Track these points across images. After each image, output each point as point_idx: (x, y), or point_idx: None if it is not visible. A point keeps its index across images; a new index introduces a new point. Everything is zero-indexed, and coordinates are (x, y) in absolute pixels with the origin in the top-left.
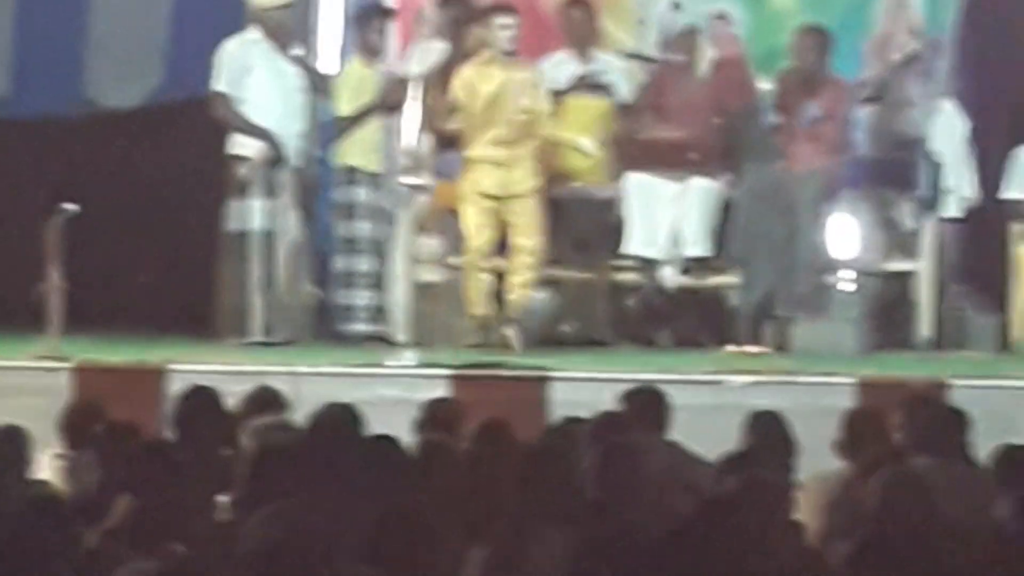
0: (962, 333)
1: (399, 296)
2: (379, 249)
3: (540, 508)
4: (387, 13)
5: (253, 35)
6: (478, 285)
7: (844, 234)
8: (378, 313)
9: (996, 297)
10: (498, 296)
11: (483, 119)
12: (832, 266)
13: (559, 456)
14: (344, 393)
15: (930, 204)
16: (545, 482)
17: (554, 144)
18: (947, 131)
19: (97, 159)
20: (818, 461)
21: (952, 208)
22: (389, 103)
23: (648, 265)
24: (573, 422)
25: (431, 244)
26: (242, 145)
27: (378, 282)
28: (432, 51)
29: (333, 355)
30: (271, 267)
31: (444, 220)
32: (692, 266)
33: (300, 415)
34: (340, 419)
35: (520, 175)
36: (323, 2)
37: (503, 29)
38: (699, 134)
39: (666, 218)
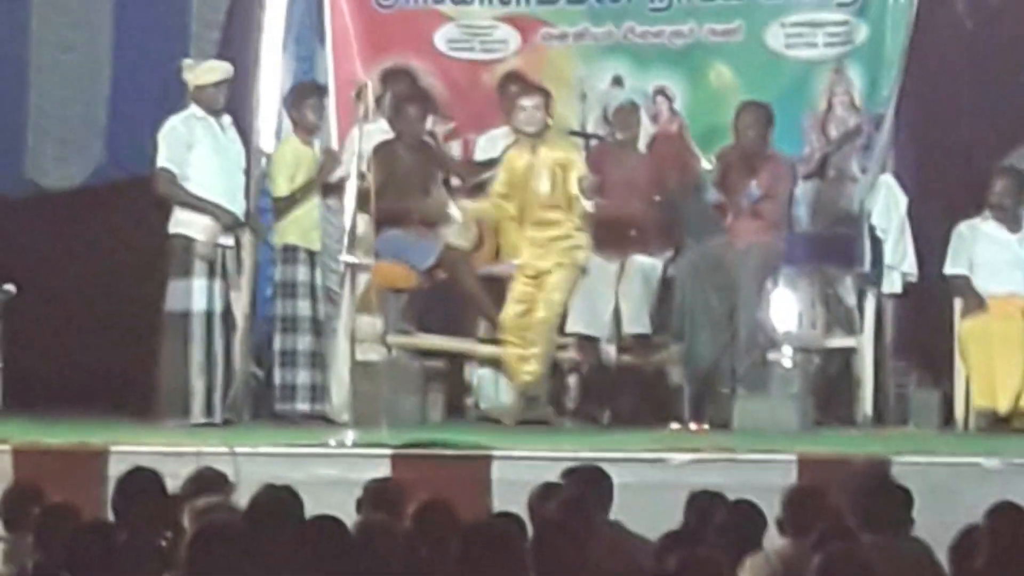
0: (904, 409)
1: (340, 375)
2: (319, 328)
3: None
4: (322, 91)
5: (196, 112)
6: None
7: (785, 310)
8: (318, 392)
9: (938, 373)
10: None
11: (517, 202)
12: (773, 342)
13: (501, 536)
14: (285, 473)
15: (871, 280)
16: (486, 562)
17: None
18: (888, 206)
19: (38, 239)
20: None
21: (893, 284)
22: (328, 183)
23: (590, 343)
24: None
25: (372, 323)
26: (184, 224)
27: (318, 361)
28: (373, 129)
29: (274, 435)
30: (212, 347)
31: (384, 299)
32: (633, 344)
33: (241, 496)
34: (280, 500)
35: (554, 254)
36: (262, 79)
37: (522, 111)
38: (639, 211)
39: (607, 296)
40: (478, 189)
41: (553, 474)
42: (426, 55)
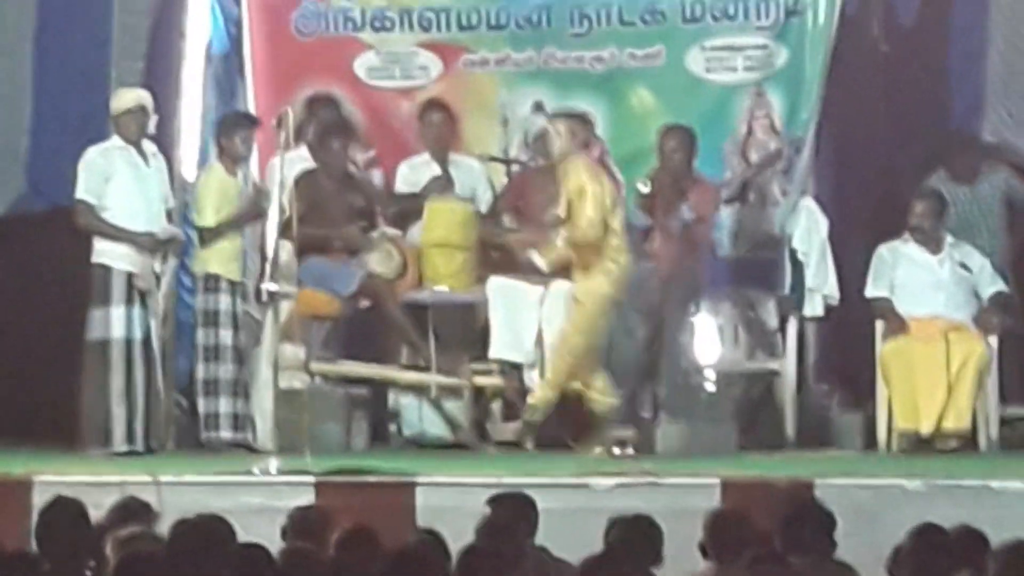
0: (827, 431)
1: (263, 403)
2: (241, 356)
3: None
4: (253, 122)
5: (115, 142)
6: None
7: (708, 334)
8: (241, 421)
9: (860, 395)
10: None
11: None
12: (696, 367)
13: (425, 563)
14: (209, 502)
15: (793, 303)
16: None
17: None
18: (809, 229)
19: None
20: (683, 563)
21: (815, 307)
22: (254, 213)
23: (513, 369)
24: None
25: (295, 350)
26: (103, 253)
27: (240, 389)
28: (294, 157)
29: (197, 464)
30: (133, 375)
31: (307, 326)
32: None
33: (165, 525)
34: (207, 529)
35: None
36: (183, 108)
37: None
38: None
39: (530, 322)
40: (400, 217)
41: (477, 500)
42: (346, 83)
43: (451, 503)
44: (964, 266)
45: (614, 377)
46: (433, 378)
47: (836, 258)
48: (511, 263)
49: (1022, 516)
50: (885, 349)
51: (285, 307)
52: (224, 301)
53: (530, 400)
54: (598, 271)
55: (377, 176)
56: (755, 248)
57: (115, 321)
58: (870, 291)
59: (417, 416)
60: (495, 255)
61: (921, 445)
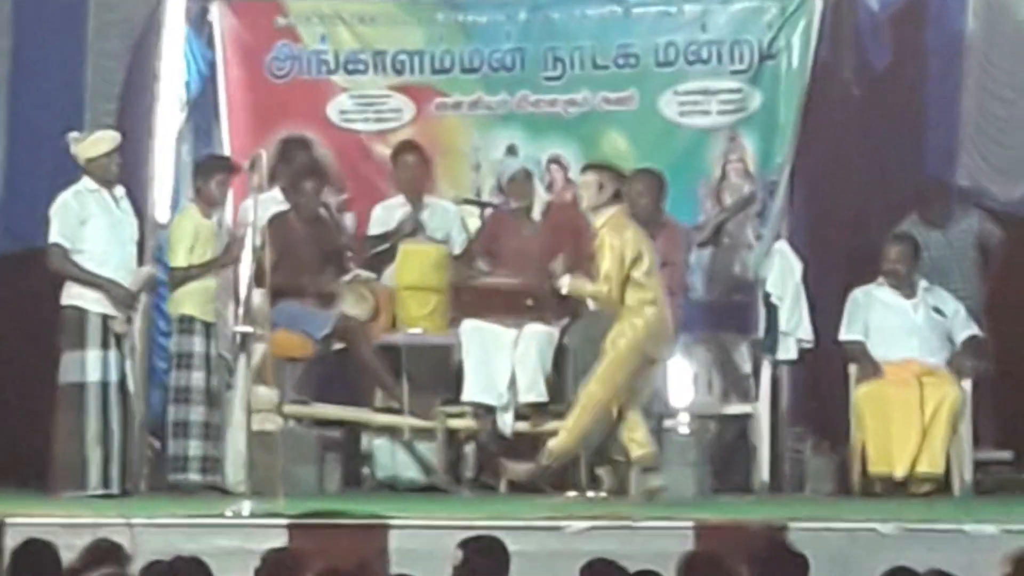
0: (800, 475)
1: (237, 445)
2: (212, 399)
3: None
4: (230, 167)
5: (88, 185)
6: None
7: (681, 377)
8: (213, 463)
9: (834, 438)
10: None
11: None
12: (669, 410)
13: None
14: (182, 544)
15: (767, 346)
16: None
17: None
18: (782, 273)
19: None
20: None
21: (788, 350)
22: (229, 258)
23: (486, 411)
24: None
25: (268, 393)
26: (77, 296)
27: (212, 432)
28: (267, 199)
29: (170, 506)
30: (108, 418)
31: (280, 369)
32: (530, 412)
33: (137, 567)
34: (180, 570)
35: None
36: (157, 151)
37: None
38: (534, 280)
39: (503, 364)
40: (374, 260)
41: (450, 543)
42: (320, 126)
43: (425, 546)
44: (938, 310)
45: None
46: (406, 420)
47: (810, 302)
48: (485, 305)
49: (995, 560)
50: (859, 393)
51: (258, 349)
52: (198, 343)
53: (549, 444)
54: (625, 323)
55: (350, 219)
56: (728, 291)
57: (91, 364)
58: (844, 335)
59: (390, 458)
60: (469, 298)
61: (895, 489)
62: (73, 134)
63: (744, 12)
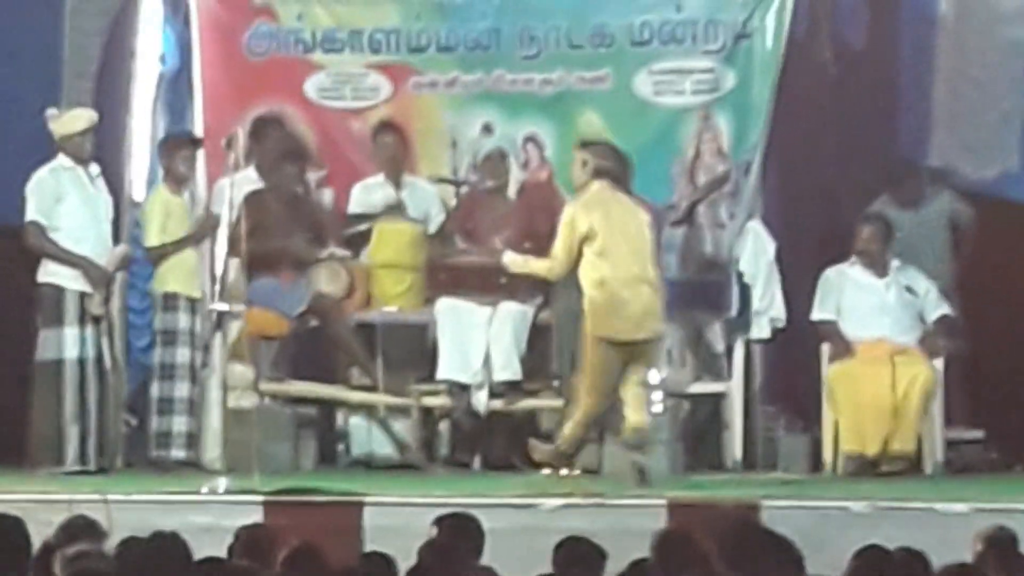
0: (773, 453)
1: (213, 422)
2: (195, 375)
3: None
4: (195, 143)
5: (64, 162)
6: None
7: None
8: (193, 439)
9: (807, 417)
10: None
11: None
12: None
13: None
14: (157, 520)
15: (740, 325)
16: None
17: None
18: (756, 252)
19: None
20: None
21: (761, 329)
22: (202, 233)
23: (461, 389)
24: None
25: (243, 370)
26: (54, 273)
27: (194, 408)
28: (242, 178)
29: (146, 482)
30: (85, 395)
31: (256, 346)
32: (504, 390)
33: (113, 543)
34: (156, 546)
35: None
36: (134, 129)
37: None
38: None
39: (478, 342)
40: (352, 237)
41: (425, 520)
42: (297, 103)
43: (399, 523)
44: (910, 289)
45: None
46: (381, 398)
47: (783, 281)
48: (460, 283)
49: (966, 539)
50: (831, 372)
51: (234, 327)
52: (183, 319)
53: (563, 432)
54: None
55: (328, 195)
56: (702, 271)
57: (68, 341)
58: (816, 314)
59: (365, 436)
60: (444, 276)
61: (867, 468)
62: (51, 111)
63: None
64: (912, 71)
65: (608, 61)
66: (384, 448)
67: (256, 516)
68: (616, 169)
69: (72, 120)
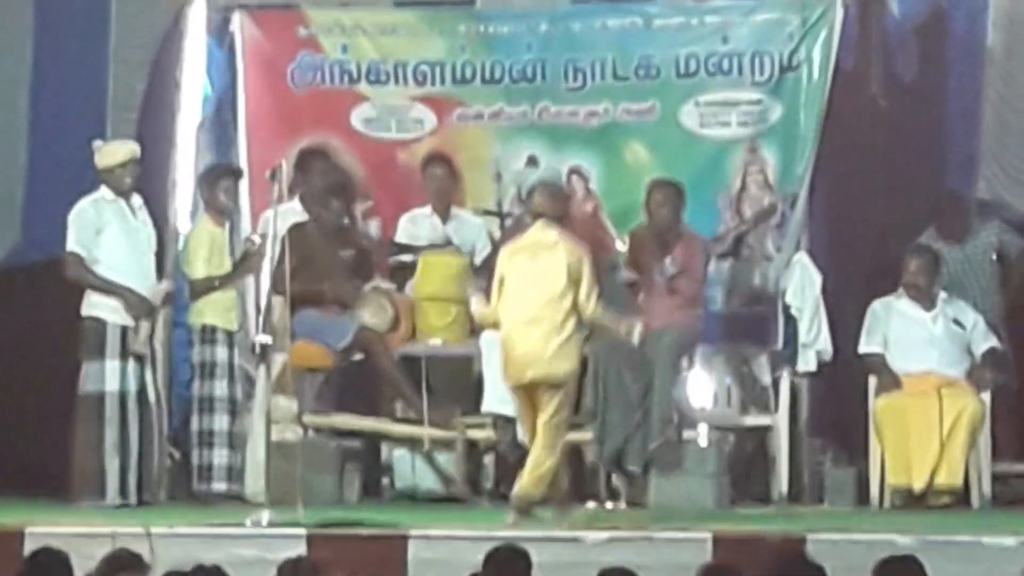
0: (819, 487)
1: (256, 455)
2: (235, 408)
3: None
4: (236, 173)
5: (105, 194)
6: None
7: (700, 389)
8: (235, 473)
9: (853, 451)
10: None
11: None
12: (689, 421)
13: None
14: (201, 554)
15: (786, 358)
16: None
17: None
18: (802, 285)
19: None
20: None
21: (808, 362)
22: (248, 269)
23: (506, 422)
24: None
25: (288, 403)
26: (96, 306)
27: (236, 441)
28: (286, 210)
29: (190, 515)
30: (127, 428)
31: (300, 379)
32: None
33: None
34: None
35: None
36: (178, 160)
37: None
38: None
39: None
40: (397, 270)
41: (469, 553)
42: (343, 134)
43: (443, 556)
44: (957, 322)
45: (603, 431)
46: (426, 431)
47: (829, 313)
48: None
49: (1014, 573)
50: (878, 405)
51: (278, 360)
52: (220, 353)
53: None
54: None
55: (375, 226)
56: (748, 303)
57: (109, 374)
58: (863, 347)
59: (410, 469)
60: None
61: (913, 501)
62: (97, 143)
63: (765, 23)
64: (960, 103)
65: (654, 93)
66: (428, 481)
67: (300, 549)
68: (557, 208)
69: (112, 152)
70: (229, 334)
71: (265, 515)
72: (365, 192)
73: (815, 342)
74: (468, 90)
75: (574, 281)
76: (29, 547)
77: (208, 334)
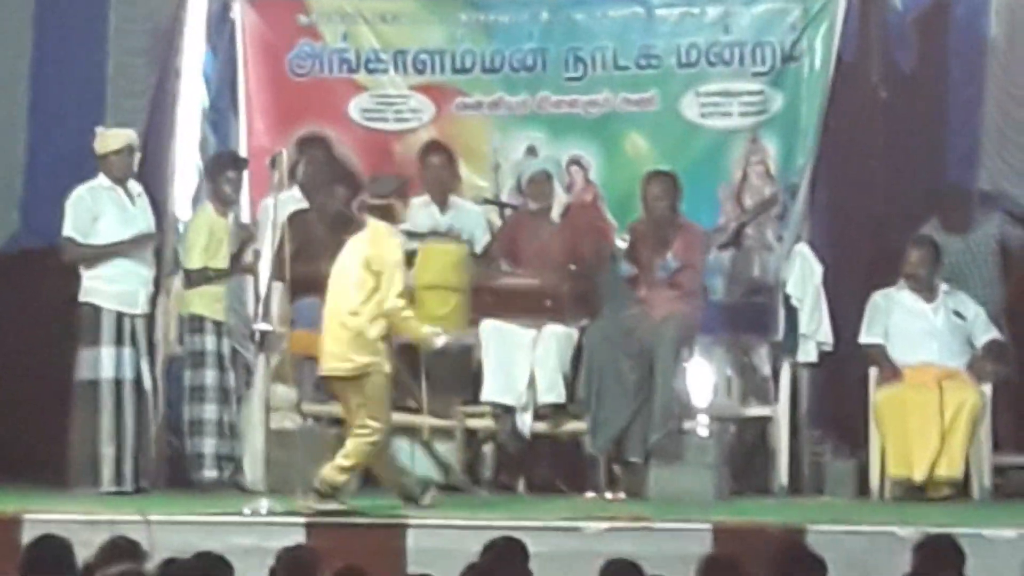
0: (820, 478)
1: (255, 443)
2: (227, 397)
3: None
4: (241, 163)
5: (103, 181)
6: None
7: (701, 379)
8: (227, 461)
9: (854, 442)
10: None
11: None
12: (688, 411)
13: None
14: (199, 542)
15: (786, 349)
16: None
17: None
18: (803, 276)
19: None
20: None
21: (808, 353)
22: (245, 269)
23: (505, 411)
24: None
25: (287, 391)
26: (92, 292)
27: (225, 430)
28: (286, 198)
29: (188, 503)
30: (122, 415)
31: (299, 367)
32: (548, 412)
33: (154, 564)
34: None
35: None
36: (178, 148)
37: None
38: (554, 280)
39: (522, 364)
40: None
41: (468, 543)
42: (340, 124)
43: (442, 545)
44: (958, 314)
45: (599, 421)
46: (425, 420)
47: (830, 304)
48: (505, 305)
49: (1014, 565)
50: (878, 396)
51: (277, 348)
52: (209, 341)
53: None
54: None
55: None
56: (749, 293)
57: (105, 361)
58: (864, 338)
59: (409, 458)
60: (489, 298)
61: (914, 493)
62: (99, 128)
63: (767, 14)
64: (961, 94)
65: (655, 83)
66: (428, 470)
67: (299, 537)
68: (383, 204)
69: (109, 139)
70: (217, 323)
71: (264, 504)
72: (363, 182)
73: (816, 333)
74: (467, 79)
75: (374, 273)
76: (28, 534)
77: (196, 323)
